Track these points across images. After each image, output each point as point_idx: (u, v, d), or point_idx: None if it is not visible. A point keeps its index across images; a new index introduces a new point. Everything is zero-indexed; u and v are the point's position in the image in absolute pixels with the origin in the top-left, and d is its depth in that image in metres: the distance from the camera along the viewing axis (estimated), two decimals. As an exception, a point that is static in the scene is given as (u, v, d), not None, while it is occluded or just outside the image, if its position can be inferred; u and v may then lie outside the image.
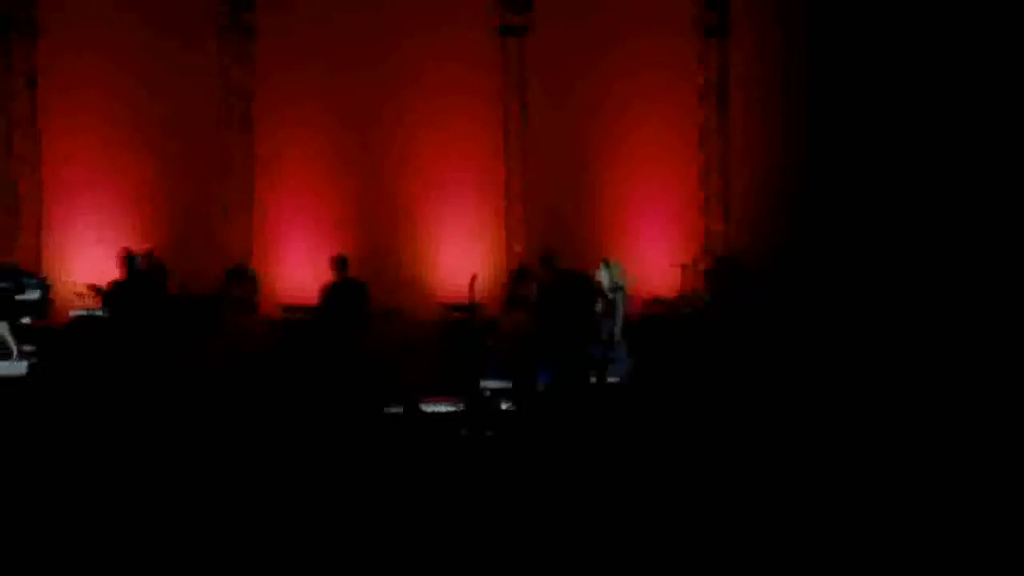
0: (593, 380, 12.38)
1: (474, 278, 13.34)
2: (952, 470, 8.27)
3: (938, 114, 14.98)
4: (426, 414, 12.19)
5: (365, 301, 13.86)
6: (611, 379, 12.47)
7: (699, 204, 15.72)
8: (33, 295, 13.20)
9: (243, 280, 14.19)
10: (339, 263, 13.89)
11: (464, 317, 13.95)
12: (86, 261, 14.34)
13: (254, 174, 15.18)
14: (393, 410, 12.28)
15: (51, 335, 13.06)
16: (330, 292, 13.86)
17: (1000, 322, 13.63)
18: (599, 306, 12.56)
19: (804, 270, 14.66)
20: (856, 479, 8.11)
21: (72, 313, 13.34)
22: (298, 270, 14.64)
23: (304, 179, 15.37)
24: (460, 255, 15.05)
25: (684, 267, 15.16)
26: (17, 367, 12.72)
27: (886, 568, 6.71)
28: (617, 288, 12.58)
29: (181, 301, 13.48)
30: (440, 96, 15.29)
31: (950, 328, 13.70)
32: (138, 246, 13.87)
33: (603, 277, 12.67)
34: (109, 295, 13.18)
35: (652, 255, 15.33)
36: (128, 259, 13.41)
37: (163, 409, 11.46)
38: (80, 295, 13.40)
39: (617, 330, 12.57)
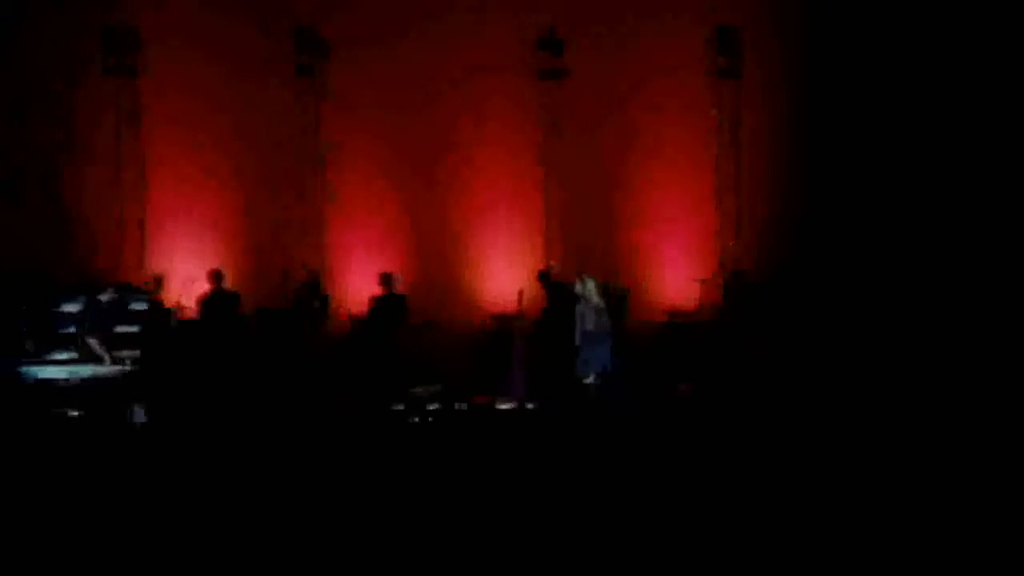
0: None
1: (521, 292, 14.29)
2: (960, 473, 8.34)
3: (934, 145, 15.33)
4: (475, 410, 13.19)
5: (405, 313, 14.51)
6: (591, 373, 13.20)
7: (715, 226, 16.14)
8: (140, 306, 14.08)
9: (316, 294, 14.94)
10: (385, 279, 14.59)
11: (508, 325, 14.69)
12: (181, 279, 14.76)
13: (325, 200, 15.92)
14: (456, 406, 13.28)
15: (153, 340, 13.88)
16: (376, 305, 14.57)
17: (1004, 331, 14.11)
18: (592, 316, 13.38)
19: (808, 282, 15.10)
20: (862, 481, 8.19)
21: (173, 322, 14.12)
22: (364, 284, 15.03)
23: (368, 205, 15.98)
24: (505, 270, 15.71)
25: (703, 281, 15.73)
26: (108, 369, 13.68)
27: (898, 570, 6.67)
28: (587, 297, 13.28)
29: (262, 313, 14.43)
30: (487, 131, 15.98)
31: (941, 333, 14.10)
32: (224, 266, 14.65)
33: (578, 289, 13.40)
34: (203, 305, 14.12)
35: (673, 270, 15.99)
36: (216, 276, 14.28)
37: (246, 403, 12.54)
38: (180, 306, 14.22)
39: (579, 334, 13.24)
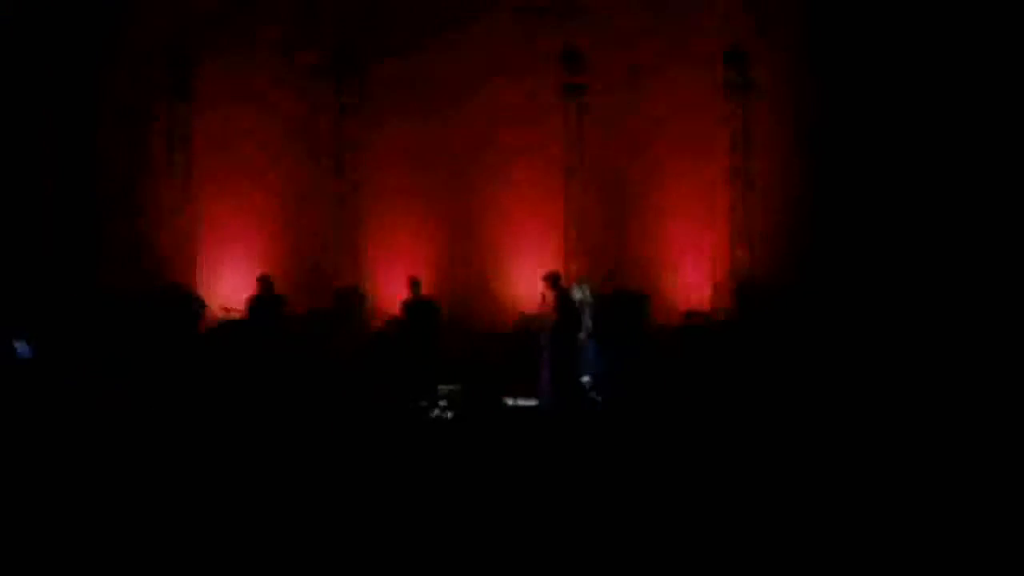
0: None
1: (544, 295, 14.43)
2: (972, 472, 8.21)
3: (941, 155, 15.47)
4: (505, 408, 13.42)
5: (435, 316, 14.95)
6: (587, 373, 13.50)
7: (727, 233, 16.36)
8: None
9: (353, 298, 15.59)
10: (413, 284, 15.04)
11: (532, 327, 14.80)
12: (229, 284, 15.73)
13: (361, 210, 16.51)
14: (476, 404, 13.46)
15: (199, 338, 14.61)
16: (405, 308, 15.06)
17: (1016, 334, 14.04)
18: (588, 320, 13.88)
19: (816, 287, 15.34)
20: (872, 484, 8.04)
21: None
22: (397, 288, 15.54)
23: (401, 213, 16.53)
24: (529, 273, 15.80)
25: (716, 286, 16.15)
26: None
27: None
28: (585, 302, 13.74)
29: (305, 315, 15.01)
30: (512, 143, 16.43)
31: (953, 337, 14.12)
32: (271, 273, 15.21)
33: (576, 293, 13.85)
34: (250, 309, 14.72)
35: (688, 275, 16.32)
36: (263, 281, 14.84)
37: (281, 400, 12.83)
38: (227, 310, 14.87)
39: (582, 335, 13.64)
